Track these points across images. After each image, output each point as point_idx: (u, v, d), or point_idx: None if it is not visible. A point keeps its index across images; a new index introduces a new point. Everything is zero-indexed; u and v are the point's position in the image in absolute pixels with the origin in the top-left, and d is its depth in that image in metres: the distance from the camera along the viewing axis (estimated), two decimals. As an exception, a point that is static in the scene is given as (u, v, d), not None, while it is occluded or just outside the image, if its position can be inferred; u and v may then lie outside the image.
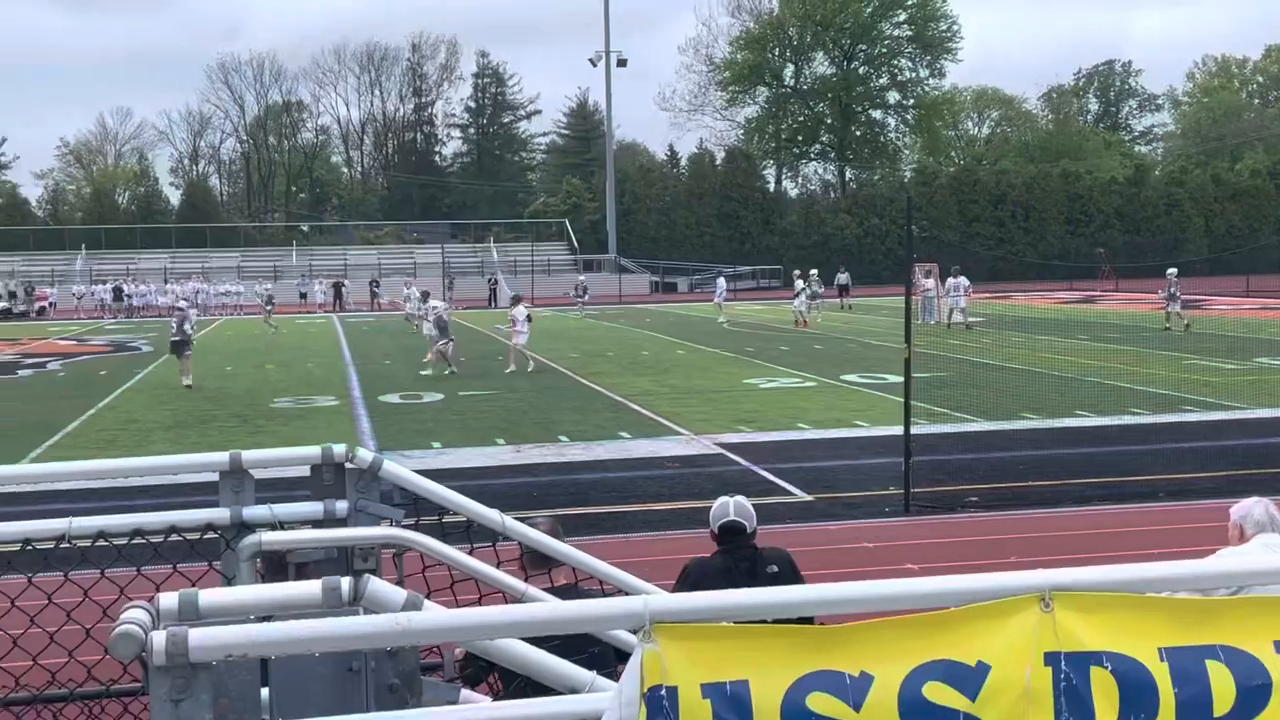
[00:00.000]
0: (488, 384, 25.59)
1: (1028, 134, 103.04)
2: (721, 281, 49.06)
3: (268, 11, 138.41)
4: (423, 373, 26.92)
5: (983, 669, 2.26)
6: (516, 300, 29.93)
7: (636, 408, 21.47)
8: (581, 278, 59.29)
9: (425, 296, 36.97)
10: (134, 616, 2.28)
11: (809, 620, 2.74)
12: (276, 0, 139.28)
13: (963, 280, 39.58)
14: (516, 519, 4.25)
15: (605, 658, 3.63)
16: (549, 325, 42.30)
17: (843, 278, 55.12)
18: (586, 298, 54.00)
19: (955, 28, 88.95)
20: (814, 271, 48.22)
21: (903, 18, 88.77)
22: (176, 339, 26.50)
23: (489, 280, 66.37)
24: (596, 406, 21.88)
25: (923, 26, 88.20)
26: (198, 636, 2.17)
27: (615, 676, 3.05)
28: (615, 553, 6.59)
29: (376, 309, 59.25)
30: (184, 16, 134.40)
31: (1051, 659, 2.27)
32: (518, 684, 2.80)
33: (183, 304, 29.65)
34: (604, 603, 2.37)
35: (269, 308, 48.74)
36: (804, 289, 42.94)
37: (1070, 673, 2.26)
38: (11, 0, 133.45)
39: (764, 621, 2.35)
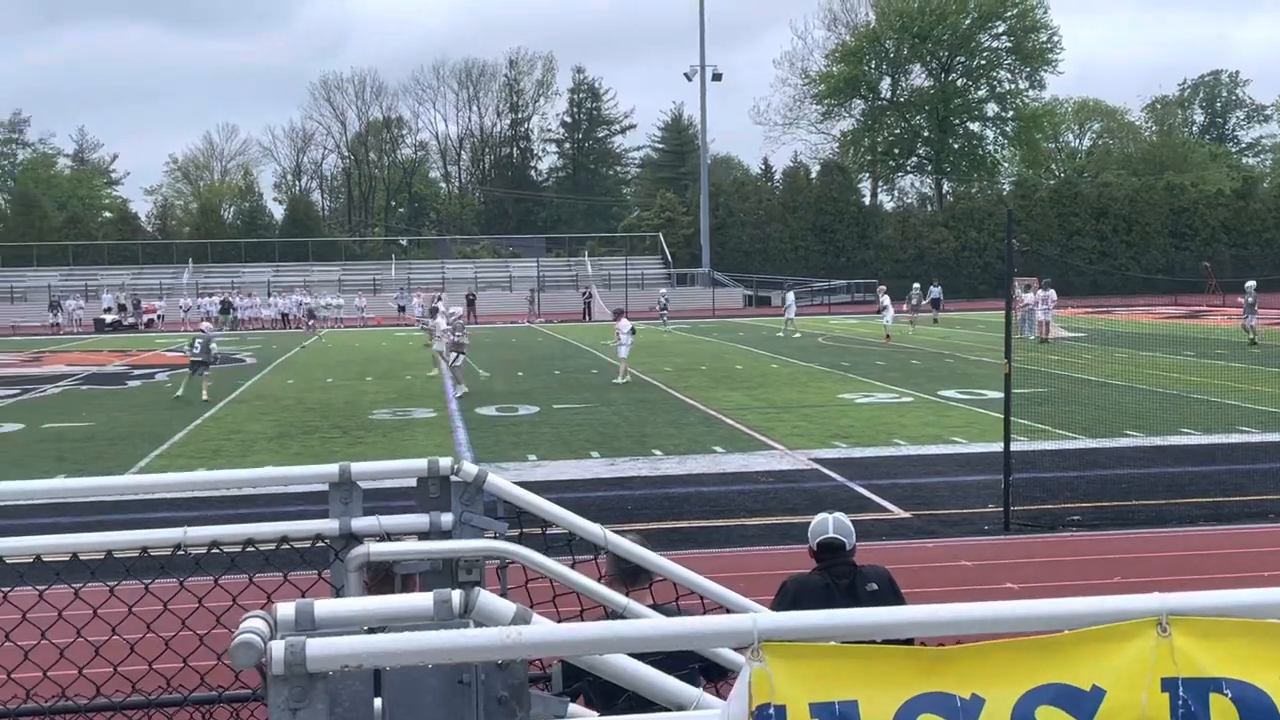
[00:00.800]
0: (582, 397, 25.71)
1: (1130, 146, 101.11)
2: (790, 296, 49.10)
3: (369, 29, 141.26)
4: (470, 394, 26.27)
5: (1097, 694, 2.22)
6: (619, 314, 30.13)
7: (730, 421, 21.41)
8: (663, 291, 59.23)
9: (434, 313, 34.12)
10: (253, 626, 2.33)
11: (909, 640, 2.72)
12: (378, 18, 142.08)
13: (1051, 293, 39.21)
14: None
15: (694, 674, 3.62)
16: (640, 339, 42.31)
17: (935, 291, 54.71)
18: (669, 307, 53.80)
19: (1055, 39, 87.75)
20: (915, 286, 48.34)
21: (1002, 29, 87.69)
22: (198, 359, 26.91)
23: (583, 294, 66.75)
24: (690, 420, 21.86)
25: (1022, 37, 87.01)
26: (315, 647, 2.20)
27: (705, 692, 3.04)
28: (708, 567, 6.56)
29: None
30: (288, 35, 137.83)
31: (1169, 685, 2.21)
32: (625, 698, 2.80)
33: (206, 326, 30.10)
34: (712, 620, 2.37)
35: (311, 322, 48.75)
36: (888, 304, 42.72)
37: (1189, 699, 2.21)
38: (124, 22, 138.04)
39: (871, 641, 2.33)
